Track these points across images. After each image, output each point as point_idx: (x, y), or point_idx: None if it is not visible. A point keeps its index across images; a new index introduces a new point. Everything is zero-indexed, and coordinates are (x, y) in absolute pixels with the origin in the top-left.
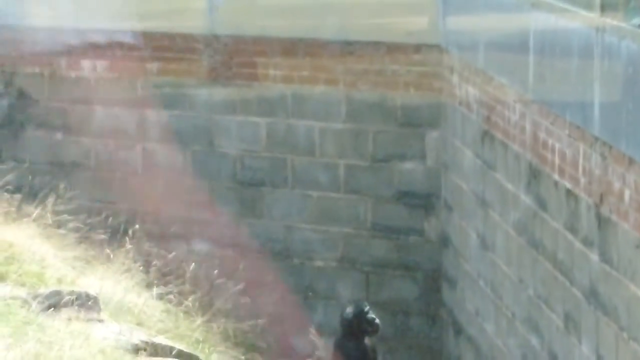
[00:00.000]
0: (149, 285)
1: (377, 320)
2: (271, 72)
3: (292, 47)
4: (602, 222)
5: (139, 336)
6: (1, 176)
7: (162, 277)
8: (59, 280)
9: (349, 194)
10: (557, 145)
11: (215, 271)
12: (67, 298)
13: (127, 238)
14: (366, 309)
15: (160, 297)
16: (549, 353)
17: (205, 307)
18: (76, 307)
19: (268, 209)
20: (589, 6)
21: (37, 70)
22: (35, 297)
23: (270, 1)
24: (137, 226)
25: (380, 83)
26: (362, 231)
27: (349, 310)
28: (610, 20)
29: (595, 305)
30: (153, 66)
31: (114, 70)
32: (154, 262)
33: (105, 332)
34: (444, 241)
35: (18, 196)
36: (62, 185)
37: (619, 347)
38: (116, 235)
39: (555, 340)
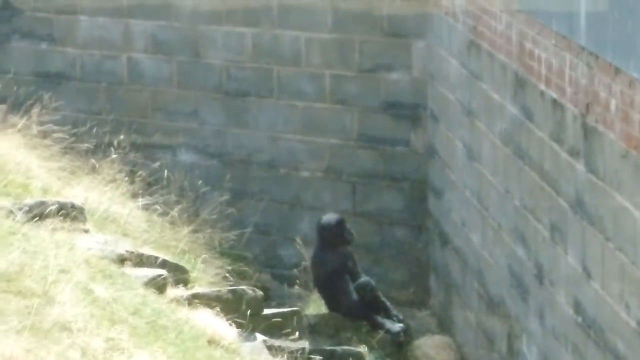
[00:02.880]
0: (134, 196)
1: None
2: None
3: None
4: (588, 132)
5: (124, 246)
6: None
7: (148, 187)
8: (44, 191)
9: (335, 104)
10: (543, 55)
11: (201, 181)
12: (52, 208)
13: (112, 148)
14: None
15: (146, 207)
16: (535, 264)
17: (191, 217)
18: (61, 218)
19: (254, 120)
20: None
21: None
22: (20, 207)
23: None
24: (122, 136)
25: None
26: (348, 142)
27: (328, 220)
28: None
29: (582, 215)
30: None
31: None
32: (139, 173)
33: (90, 242)
34: (430, 152)
35: (3, 107)
36: (47, 96)
37: (605, 257)
38: (101, 145)
39: (542, 251)
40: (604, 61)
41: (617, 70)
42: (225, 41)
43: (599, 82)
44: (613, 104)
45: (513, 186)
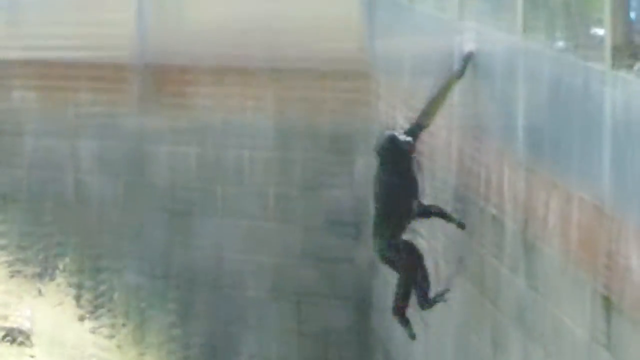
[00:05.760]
0: (81, 319)
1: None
2: (200, 101)
3: (220, 76)
4: (527, 247)
5: None
6: None
7: (94, 309)
8: None
9: (278, 222)
10: (482, 171)
11: (145, 303)
12: None
13: (58, 271)
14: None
15: (93, 330)
16: None
17: (137, 339)
18: (8, 343)
19: (198, 239)
20: (511, 30)
21: None
22: None
23: (198, 30)
24: (67, 259)
25: (309, 110)
26: (292, 260)
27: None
28: (533, 44)
29: (522, 331)
30: (83, 96)
31: (44, 101)
32: (85, 296)
33: None
34: (374, 269)
35: None
36: None
37: None
38: (47, 268)
39: None
40: (541, 176)
41: (555, 185)
42: (169, 161)
43: (537, 198)
44: (551, 219)
45: (455, 301)
